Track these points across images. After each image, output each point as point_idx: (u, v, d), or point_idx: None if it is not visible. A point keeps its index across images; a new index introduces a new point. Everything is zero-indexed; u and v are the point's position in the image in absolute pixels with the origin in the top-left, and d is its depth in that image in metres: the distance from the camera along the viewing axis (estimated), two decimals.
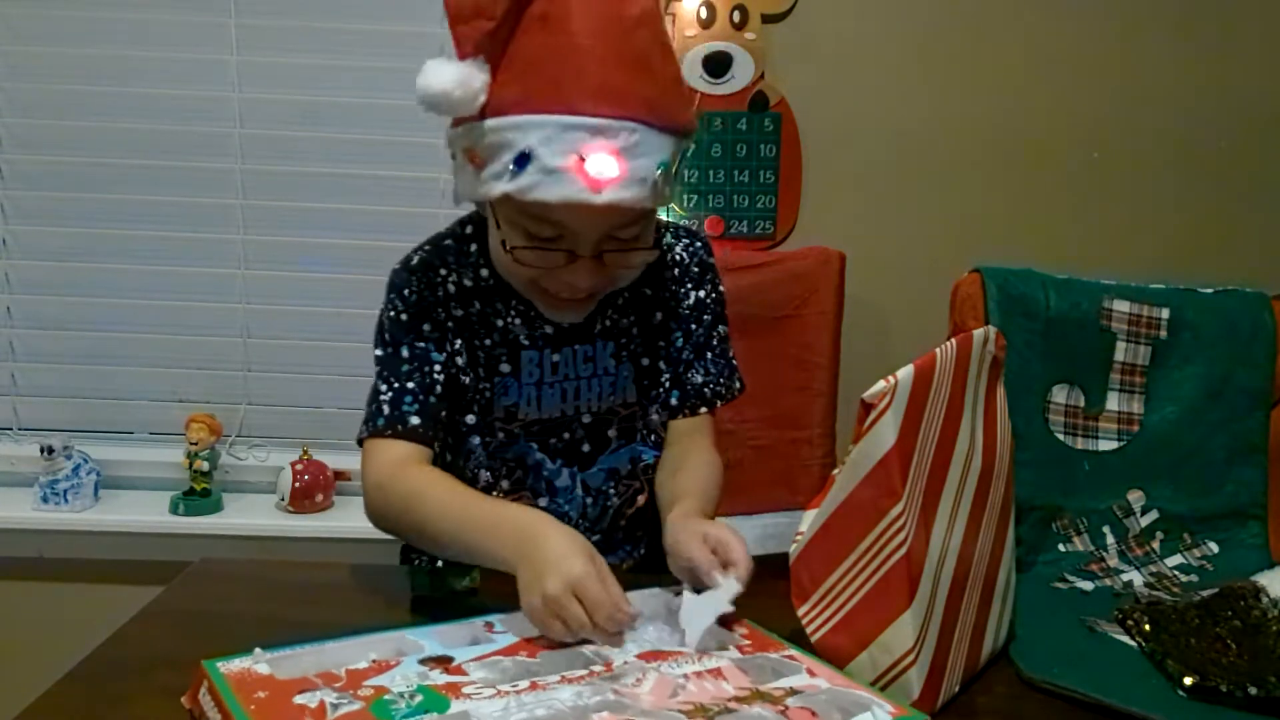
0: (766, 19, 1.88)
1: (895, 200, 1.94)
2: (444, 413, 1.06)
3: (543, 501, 1.12)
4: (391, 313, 1.06)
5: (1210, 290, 1.39)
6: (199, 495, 1.89)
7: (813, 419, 1.72)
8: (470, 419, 1.10)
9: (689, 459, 1.12)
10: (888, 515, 0.79)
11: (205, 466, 1.89)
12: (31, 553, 1.89)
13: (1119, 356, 1.33)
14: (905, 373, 0.80)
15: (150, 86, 1.89)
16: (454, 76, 0.90)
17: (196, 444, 1.88)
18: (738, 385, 1.19)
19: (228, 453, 1.97)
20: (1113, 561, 1.28)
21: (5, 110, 1.91)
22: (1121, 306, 1.33)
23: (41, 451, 1.84)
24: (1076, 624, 1.07)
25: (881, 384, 0.79)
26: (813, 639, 0.85)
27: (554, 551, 0.86)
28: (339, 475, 1.96)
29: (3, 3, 1.88)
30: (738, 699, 0.74)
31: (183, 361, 1.97)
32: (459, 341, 1.07)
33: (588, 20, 0.90)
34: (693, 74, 1.88)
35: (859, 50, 1.91)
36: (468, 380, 1.08)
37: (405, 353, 1.05)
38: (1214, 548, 1.31)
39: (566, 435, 1.12)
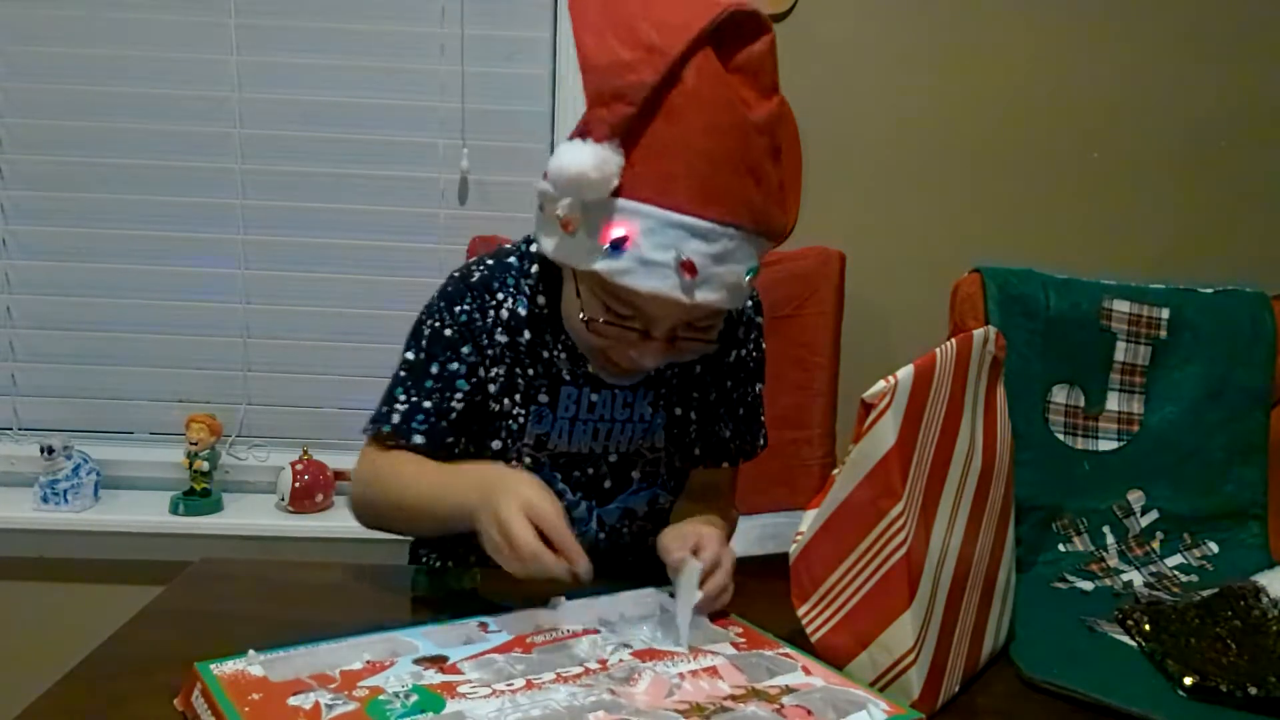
0: None
1: (895, 200, 1.94)
2: (450, 439, 1.05)
3: None
4: (436, 323, 1.05)
5: (1210, 290, 1.39)
6: (199, 495, 1.89)
7: (813, 419, 1.72)
8: (495, 444, 1.09)
9: (709, 504, 1.13)
10: (888, 515, 0.79)
11: (205, 466, 1.89)
12: (31, 553, 1.89)
13: (1119, 356, 1.33)
14: (905, 373, 0.80)
15: (150, 86, 1.89)
16: (591, 159, 0.88)
17: (196, 444, 1.88)
18: (761, 443, 1.19)
19: (228, 453, 1.97)
20: (1113, 561, 1.28)
21: (5, 110, 1.91)
22: (1121, 306, 1.34)
23: (41, 451, 1.84)
24: (1076, 624, 1.07)
25: (881, 384, 0.79)
26: (813, 639, 0.85)
27: (512, 481, 0.88)
28: (339, 475, 1.95)
29: (3, 3, 1.88)
30: (733, 697, 0.75)
31: (183, 361, 1.97)
32: (496, 369, 1.06)
33: (709, 119, 0.88)
34: None
35: (859, 50, 1.91)
36: (498, 408, 1.07)
37: (435, 369, 1.04)
38: (1214, 548, 1.31)
39: (590, 470, 1.12)
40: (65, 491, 1.85)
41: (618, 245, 0.89)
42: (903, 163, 1.93)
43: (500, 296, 1.06)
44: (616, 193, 0.89)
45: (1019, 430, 1.05)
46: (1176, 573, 1.27)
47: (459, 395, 1.04)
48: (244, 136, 1.91)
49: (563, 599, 0.90)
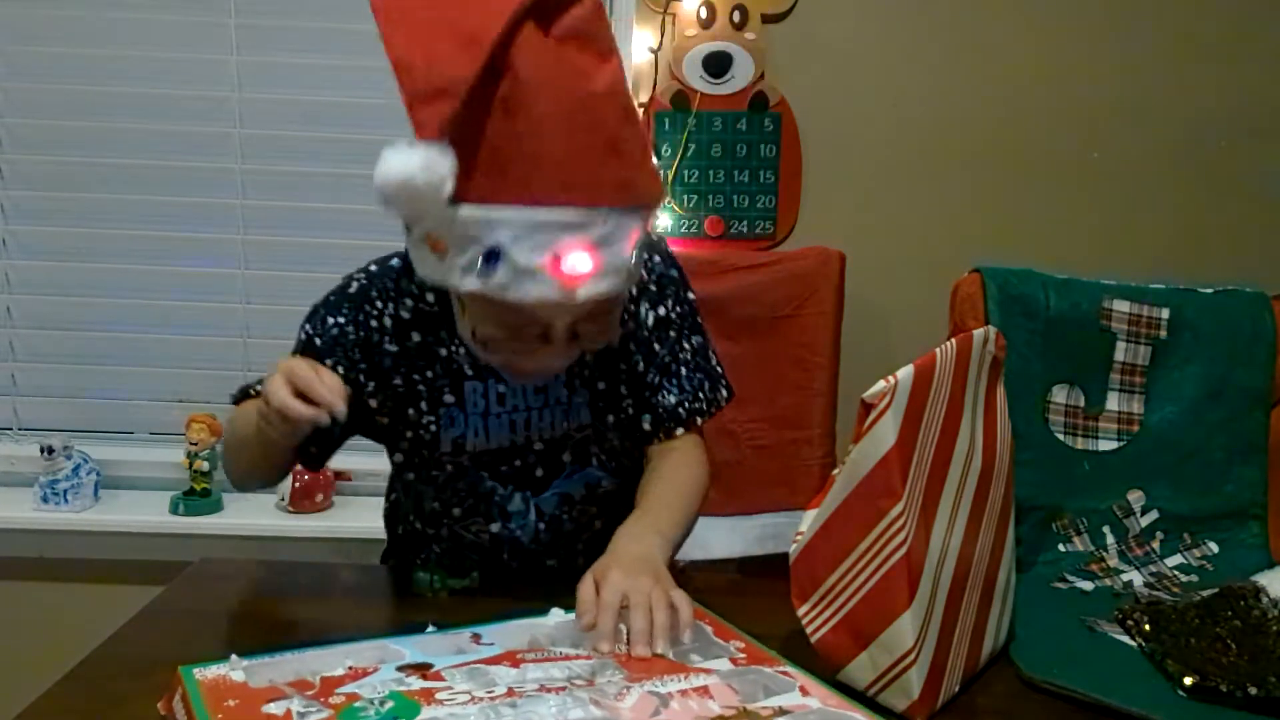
0: (766, 19, 1.88)
1: (895, 200, 1.94)
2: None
3: (495, 526, 1.09)
4: (310, 329, 1.03)
5: (1210, 290, 1.39)
6: (199, 495, 1.89)
7: (813, 419, 1.72)
8: (398, 457, 1.08)
9: (660, 470, 1.09)
10: (888, 515, 0.79)
11: (205, 466, 1.89)
12: (31, 553, 1.89)
13: (1119, 356, 1.33)
14: (905, 373, 0.80)
15: (150, 86, 1.90)
16: (417, 161, 0.80)
17: (196, 444, 1.88)
18: (724, 394, 1.13)
19: None
20: (1113, 561, 1.28)
21: (5, 110, 1.91)
22: (1121, 306, 1.33)
23: (41, 451, 1.84)
24: (1076, 624, 1.07)
25: (881, 384, 0.79)
26: (812, 639, 0.85)
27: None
28: (339, 475, 1.96)
29: (3, 3, 1.88)
30: (722, 718, 0.73)
31: (183, 361, 1.97)
32: (377, 381, 1.03)
33: (551, 103, 0.81)
34: (693, 74, 1.88)
35: (859, 50, 1.91)
36: (386, 422, 1.04)
37: None
38: (1214, 548, 1.31)
39: (518, 462, 1.08)
40: (65, 491, 1.86)
41: (490, 259, 0.83)
42: (903, 163, 1.93)
43: (380, 305, 1.02)
44: (474, 201, 0.82)
45: (1019, 430, 1.05)
46: (1176, 573, 1.27)
47: None
48: (244, 136, 1.92)
49: (558, 610, 0.89)
